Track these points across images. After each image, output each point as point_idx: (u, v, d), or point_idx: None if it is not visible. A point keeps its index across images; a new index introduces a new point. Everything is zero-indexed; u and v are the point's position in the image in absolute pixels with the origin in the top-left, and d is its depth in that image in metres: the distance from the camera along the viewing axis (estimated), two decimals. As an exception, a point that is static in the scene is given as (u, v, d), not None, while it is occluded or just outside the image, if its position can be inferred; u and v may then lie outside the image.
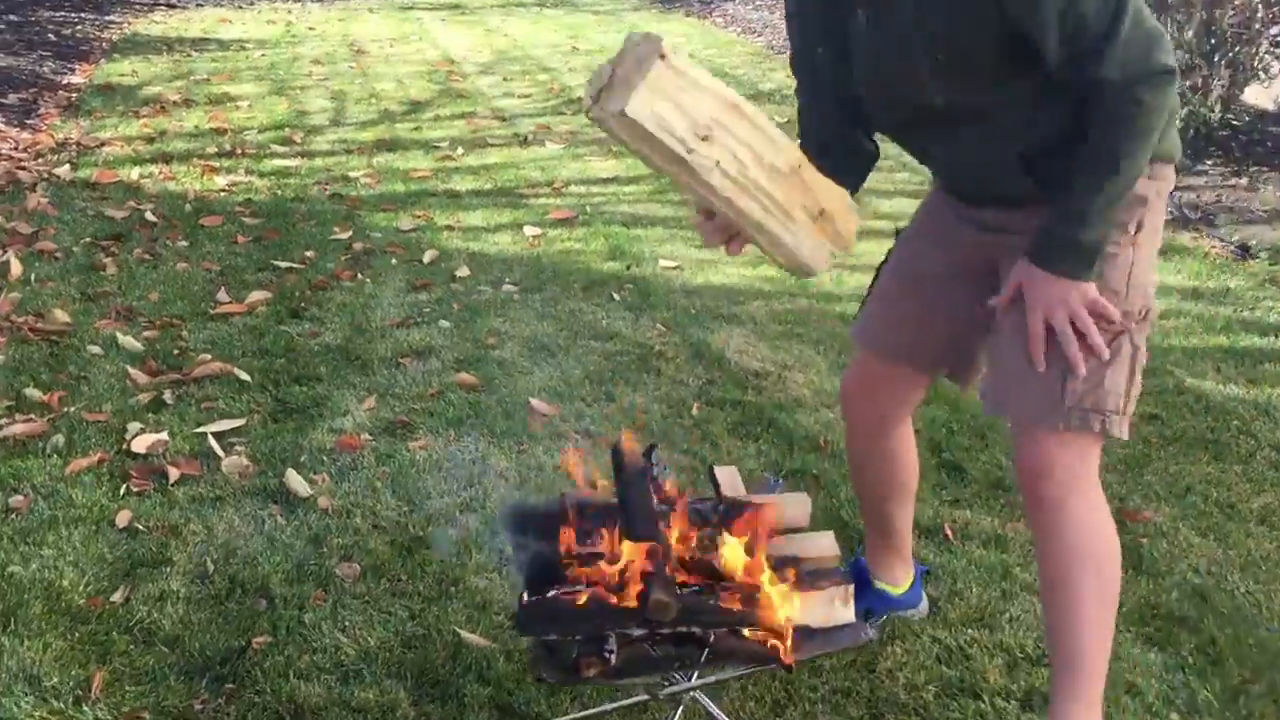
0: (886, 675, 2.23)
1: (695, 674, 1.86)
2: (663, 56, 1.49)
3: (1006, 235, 1.89)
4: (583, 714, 2.09)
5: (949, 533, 2.70)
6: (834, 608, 1.79)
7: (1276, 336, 3.78)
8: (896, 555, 2.36)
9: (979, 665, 2.26)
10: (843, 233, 1.80)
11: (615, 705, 2.07)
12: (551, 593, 1.72)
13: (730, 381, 3.46)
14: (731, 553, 1.80)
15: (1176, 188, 5.18)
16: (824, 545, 1.93)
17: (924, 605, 2.43)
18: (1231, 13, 5.30)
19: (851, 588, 1.79)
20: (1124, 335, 1.79)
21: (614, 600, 1.71)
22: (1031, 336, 1.79)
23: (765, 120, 1.64)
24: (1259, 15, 5.32)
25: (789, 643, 1.72)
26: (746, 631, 1.74)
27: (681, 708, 1.98)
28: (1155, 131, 1.67)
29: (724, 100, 1.58)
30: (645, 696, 1.99)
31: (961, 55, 1.70)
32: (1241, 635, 2.34)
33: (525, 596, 1.73)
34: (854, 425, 2.24)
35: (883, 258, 2.17)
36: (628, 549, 1.77)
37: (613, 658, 1.69)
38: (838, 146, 1.97)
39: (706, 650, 1.76)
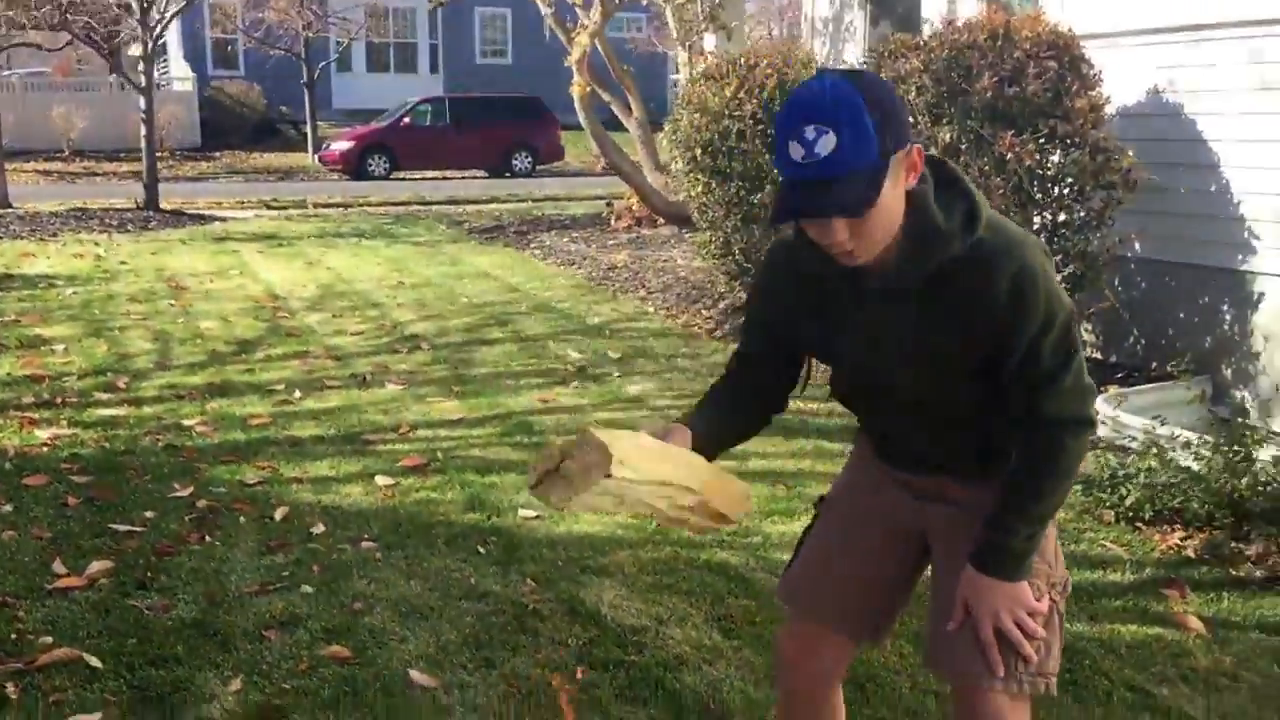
0: None
1: None
2: (609, 475, 1.65)
3: (941, 505, 2.10)
4: None
5: (848, 796, 2.73)
6: None
7: (1105, 570, 4.07)
8: None
9: None
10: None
11: None
12: None
13: (611, 640, 3.46)
14: None
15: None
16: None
17: None
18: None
19: None
20: (1054, 606, 2.02)
21: None
22: (984, 645, 1.98)
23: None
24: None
25: None
26: None
27: None
28: (1075, 470, 1.96)
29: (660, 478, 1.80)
30: None
31: (942, 362, 1.93)
32: None
33: None
34: (794, 688, 2.30)
35: (808, 524, 2.32)
36: None
37: None
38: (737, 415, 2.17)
39: None
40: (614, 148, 12.25)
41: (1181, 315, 6.40)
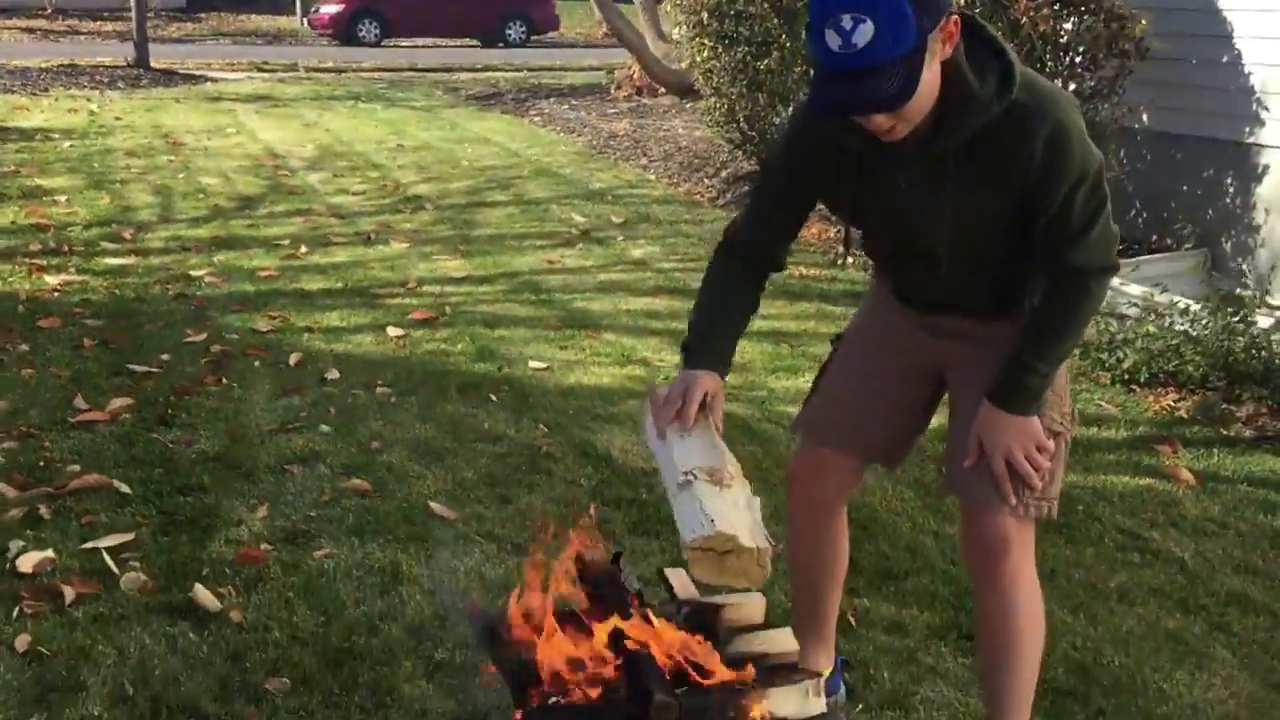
0: (822, 760, 2.36)
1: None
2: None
3: (958, 341, 2.17)
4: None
5: (853, 620, 2.88)
6: (807, 700, 1.91)
7: (1099, 427, 4.19)
8: (821, 642, 2.52)
9: (903, 746, 2.43)
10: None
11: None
12: (552, 699, 1.78)
13: (621, 481, 3.58)
14: (705, 652, 1.91)
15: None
16: (784, 641, 2.05)
17: (843, 692, 2.58)
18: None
19: (822, 680, 1.93)
20: (1061, 436, 2.11)
21: (612, 704, 1.78)
22: (997, 478, 2.07)
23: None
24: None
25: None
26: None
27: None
28: (1096, 312, 2.04)
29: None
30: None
31: (980, 218, 1.97)
32: (1124, 704, 2.60)
33: (525, 705, 1.78)
34: (801, 510, 2.41)
35: (825, 360, 2.38)
36: (617, 653, 1.84)
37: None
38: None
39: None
40: (617, 13, 12.03)
41: (1184, 188, 6.43)
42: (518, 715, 1.79)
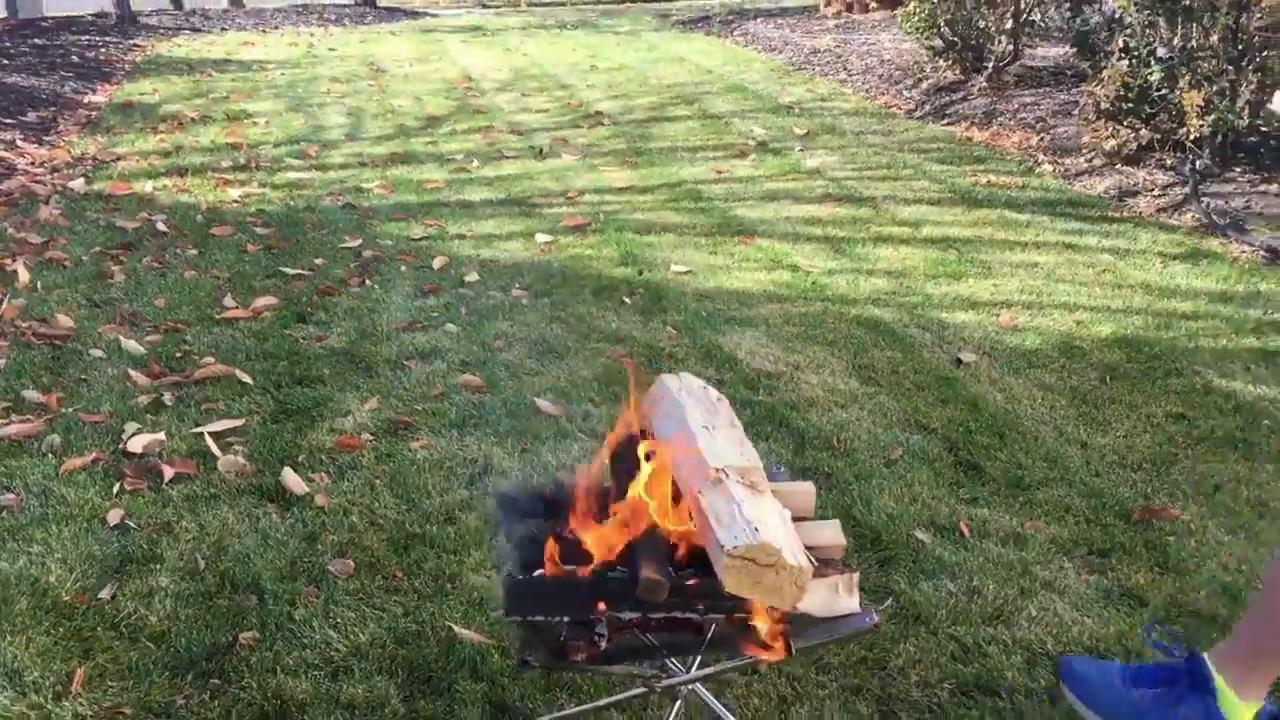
0: (899, 673, 2.13)
1: (694, 665, 1.77)
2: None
3: None
4: (578, 709, 1.99)
5: (964, 530, 2.59)
6: (836, 596, 1.69)
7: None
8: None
9: (996, 663, 2.15)
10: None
11: (611, 700, 1.98)
12: (538, 572, 1.63)
13: (741, 382, 3.37)
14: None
15: (1204, 194, 5.09)
16: (828, 535, 1.82)
17: None
18: (1259, 16, 5.19)
19: (855, 576, 1.69)
20: None
21: (603, 580, 1.62)
22: None
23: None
24: (1286, 18, 5.21)
25: (787, 631, 1.63)
26: (746, 619, 1.64)
27: (680, 701, 1.88)
28: None
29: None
30: (642, 689, 1.90)
31: None
32: (1274, 634, 2.22)
33: (510, 577, 1.65)
34: None
35: None
36: (619, 529, 1.68)
37: (603, 642, 1.60)
38: None
39: (705, 638, 1.67)
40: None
41: None
42: (504, 582, 1.65)
